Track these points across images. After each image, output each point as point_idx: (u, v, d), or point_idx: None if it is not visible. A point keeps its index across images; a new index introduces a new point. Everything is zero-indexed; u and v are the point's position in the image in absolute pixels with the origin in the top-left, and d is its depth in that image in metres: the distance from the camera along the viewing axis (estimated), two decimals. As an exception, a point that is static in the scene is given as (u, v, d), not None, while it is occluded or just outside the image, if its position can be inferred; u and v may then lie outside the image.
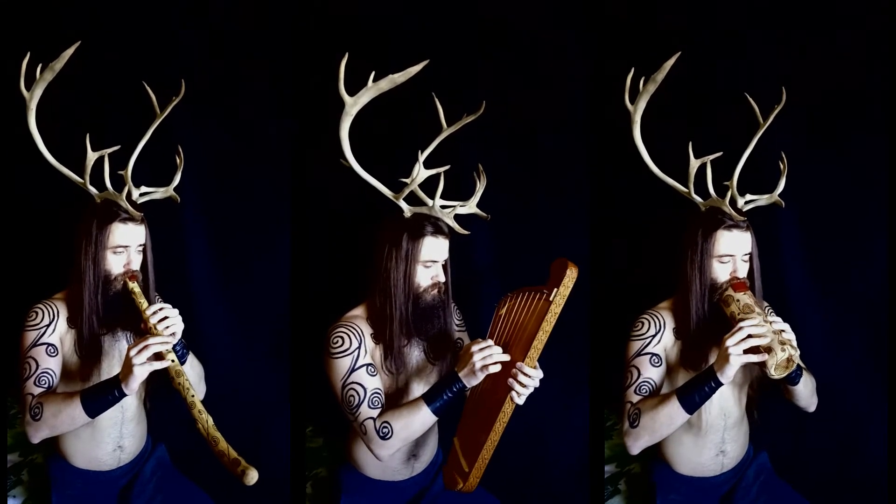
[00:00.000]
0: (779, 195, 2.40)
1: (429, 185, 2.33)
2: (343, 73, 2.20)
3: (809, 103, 2.58)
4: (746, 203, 2.38)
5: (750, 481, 2.50)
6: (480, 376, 2.17)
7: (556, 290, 2.12)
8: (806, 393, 2.37)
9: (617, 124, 2.44)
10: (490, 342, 2.19)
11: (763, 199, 2.40)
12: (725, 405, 2.42)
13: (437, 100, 2.32)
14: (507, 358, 2.16)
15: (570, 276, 2.12)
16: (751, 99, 2.39)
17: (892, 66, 2.63)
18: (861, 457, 2.69)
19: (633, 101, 2.36)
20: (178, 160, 2.41)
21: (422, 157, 2.31)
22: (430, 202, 2.33)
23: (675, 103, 2.53)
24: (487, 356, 2.16)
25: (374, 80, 2.22)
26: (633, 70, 2.36)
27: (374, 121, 2.33)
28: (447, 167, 2.33)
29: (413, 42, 2.62)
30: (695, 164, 2.37)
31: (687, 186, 2.38)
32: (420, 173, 2.31)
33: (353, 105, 2.24)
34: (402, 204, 2.33)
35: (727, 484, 2.49)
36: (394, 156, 2.46)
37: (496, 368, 2.16)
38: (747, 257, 2.35)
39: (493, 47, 2.66)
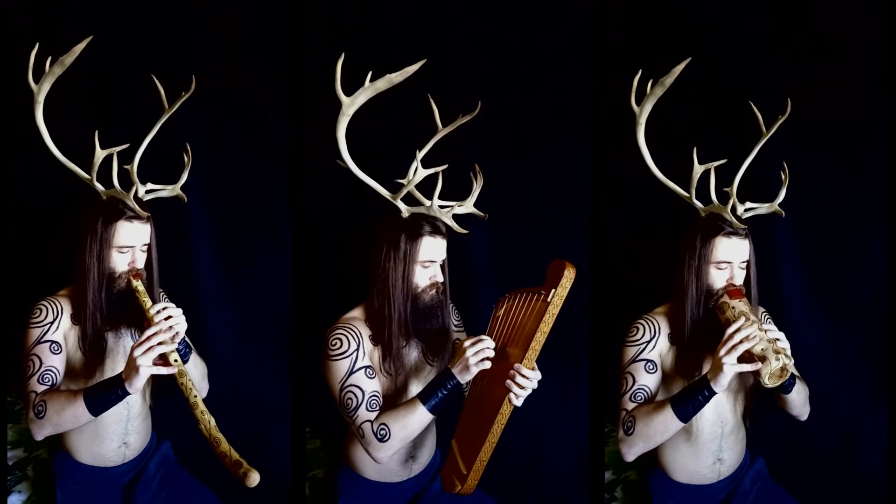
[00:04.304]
0: (779, 204, 2.39)
1: (426, 185, 2.33)
2: (340, 74, 2.21)
3: (810, 113, 2.56)
4: (746, 211, 2.37)
5: (747, 488, 2.48)
6: (474, 371, 2.16)
7: (553, 290, 2.12)
8: (799, 401, 2.36)
9: (620, 125, 2.45)
10: (483, 336, 2.19)
11: (763, 208, 2.39)
12: (722, 413, 2.41)
13: (432, 100, 2.32)
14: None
15: (568, 276, 2.12)
16: (754, 107, 2.39)
17: (893, 78, 2.62)
18: (858, 464, 2.68)
19: (639, 102, 2.35)
20: (185, 158, 2.40)
21: (419, 157, 2.32)
22: (427, 202, 2.33)
23: (679, 107, 2.54)
24: (480, 350, 2.16)
25: (371, 81, 2.21)
26: (640, 72, 2.35)
27: (372, 121, 2.34)
28: (444, 167, 2.33)
29: (411, 42, 2.64)
30: (698, 169, 2.36)
31: (688, 191, 2.38)
32: (417, 173, 2.32)
33: (350, 105, 2.24)
34: (400, 204, 2.33)
35: (724, 491, 2.47)
36: (391, 156, 2.46)
37: (488, 364, 2.16)
38: (745, 265, 2.35)
39: (491, 46, 2.67)
